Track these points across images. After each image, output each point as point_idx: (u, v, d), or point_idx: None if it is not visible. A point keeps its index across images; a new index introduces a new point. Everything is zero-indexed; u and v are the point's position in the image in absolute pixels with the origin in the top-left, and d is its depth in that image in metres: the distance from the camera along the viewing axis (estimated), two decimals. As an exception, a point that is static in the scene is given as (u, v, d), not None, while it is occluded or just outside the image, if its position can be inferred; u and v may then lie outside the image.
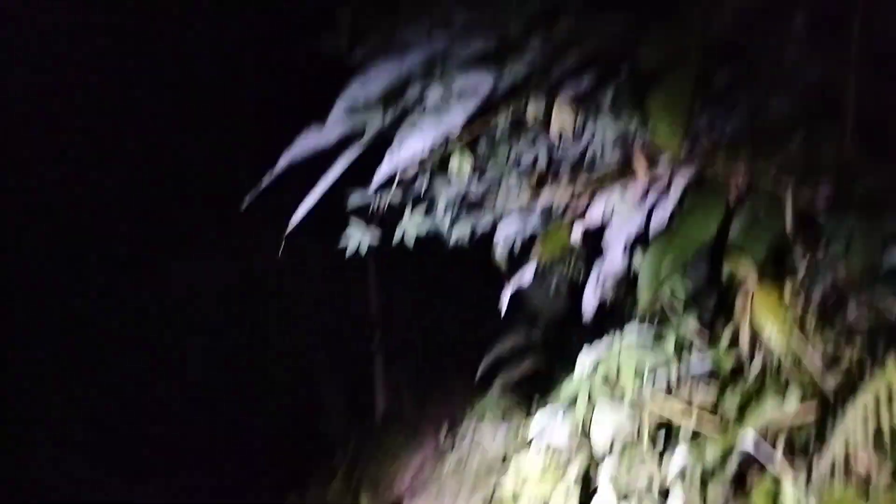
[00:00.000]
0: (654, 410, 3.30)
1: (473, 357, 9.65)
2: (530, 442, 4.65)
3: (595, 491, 3.49)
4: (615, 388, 3.34)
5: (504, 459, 5.77)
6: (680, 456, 3.07)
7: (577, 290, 4.15)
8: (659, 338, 3.34)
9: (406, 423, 12.56)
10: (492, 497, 5.20)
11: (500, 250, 4.25)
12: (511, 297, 5.20)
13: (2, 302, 11.83)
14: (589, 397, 3.43)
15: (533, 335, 8.60)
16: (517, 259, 4.20)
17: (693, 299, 3.41)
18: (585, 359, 3.64)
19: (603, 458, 3.35)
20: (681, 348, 3.29)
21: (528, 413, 6.48)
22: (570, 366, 5.96)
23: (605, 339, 3.67)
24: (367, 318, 13.89)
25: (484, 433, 7.23)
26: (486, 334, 10.62)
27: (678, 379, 3.26)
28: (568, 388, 3.68)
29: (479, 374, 8.94)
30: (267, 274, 13.86)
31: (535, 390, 7.33)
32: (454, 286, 13.13)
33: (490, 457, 6.88)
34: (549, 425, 3.63)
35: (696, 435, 3.20)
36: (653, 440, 3.29)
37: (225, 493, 11.21)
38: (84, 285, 12.73)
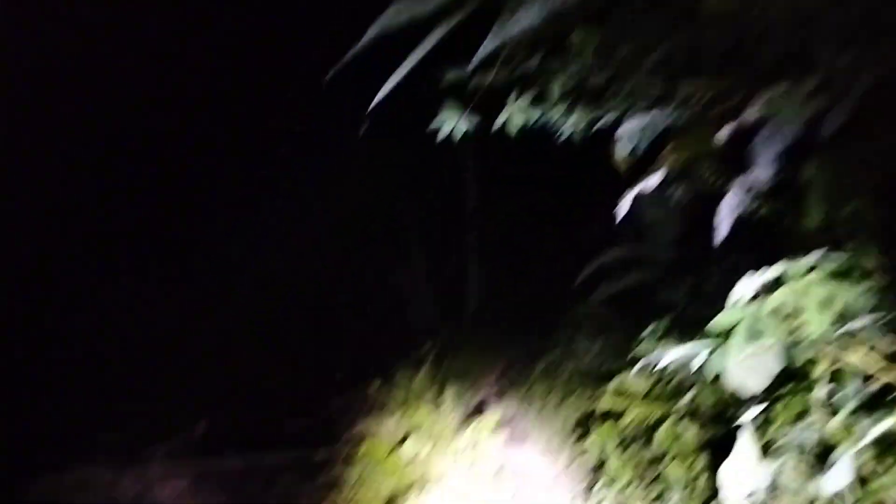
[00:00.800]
0: (837, 356, 2.64)
1: (573, 264, 9.19)
2: (635, 361, 4.19)
3: (724, 432, 3.03)
4: (789, 324, 2.63)
5: (602, 374, 5.37)
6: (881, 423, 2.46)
7: (707, 204, 3.52)
8: (839, 271, 2.65)
9: (496, 323, 12.46)
10: (591, 412, 4.84)
11: (621, 149, 3.55)
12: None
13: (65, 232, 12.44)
14: (746, 331, 2.73)
15: (644, 249, 8.00)
16: (641, 161, 3.55)
17: (882, 225, 2.68)
18: (747, 286, 2.87)
19: (749, 402, 2.83)
20: (862, 285, 2.62)
21: (633, 329, 6.02)
22: (691, 288, 5.39)
23: (775, 266, 2.91)
24: (462, 213, 13.64)
25: (579, 343, 6.84)
26: (590, 241, 10.08)
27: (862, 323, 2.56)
28: (725, 316, 2.96)
29: (578, 280, 8.51)
30: (355, 161, 13.75)
31: (640, 307, 6.85)
32: (560, 186, 12.52)
33: (584, 368, 6.53)
34: (674, 352, 2.99)
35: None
36: (829, 394, 2.71)
37: (311, 381, 11.63)
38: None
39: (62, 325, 11.84)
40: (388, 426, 5.07)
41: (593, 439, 4.00)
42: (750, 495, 2.43)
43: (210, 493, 6.98)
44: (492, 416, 4.64)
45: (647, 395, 4.11)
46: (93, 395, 11.15)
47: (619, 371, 4.67)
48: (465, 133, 4.08)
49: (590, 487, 4.06)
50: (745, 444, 2.51)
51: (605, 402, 4.29)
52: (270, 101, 13.13)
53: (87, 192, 12.67)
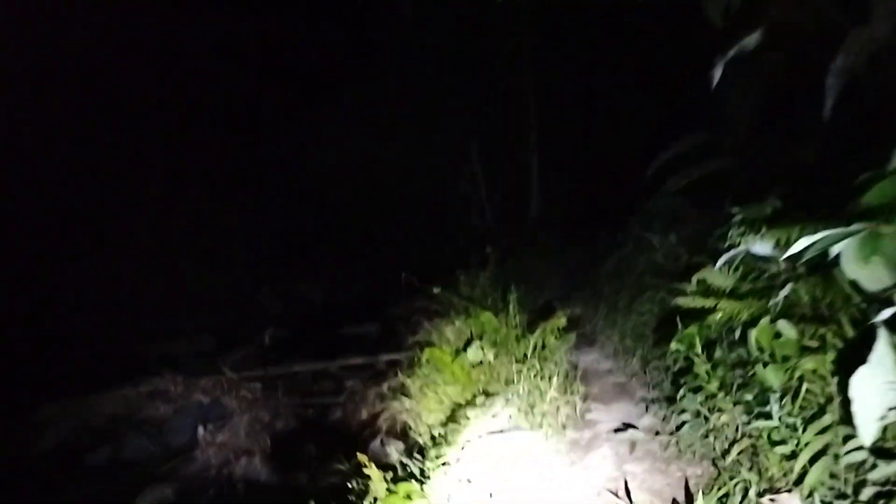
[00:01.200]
0: None
1: (641, 158, 8.63)
2: (716, 255, 3.77)
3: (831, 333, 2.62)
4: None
5: (679, 270, 4.94)
6: None
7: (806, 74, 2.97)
8: None
9: (560, 223, 12.04)
10: (670, 311, 4.47)
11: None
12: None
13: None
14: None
15: (724, 133, 7.33)
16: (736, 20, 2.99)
17: None
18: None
19: (872, 299, 2.38)
20: None
21: (711, 221, 5.52)
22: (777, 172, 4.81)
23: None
24: (523, 112, 13.05)
25: (651, 239, 6.38)
26: (660, 133, 9.43)
27: None
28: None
29: (650, 171, 7.97)
30: (414, 66, 13.24)
31: (718, 197, 6.28)
32: (627, 74, 11.74)
33: (658, 264, 6.11)
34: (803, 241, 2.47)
35: None
36: None
37: (373, 287, 11.65)
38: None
39: (121, 237, 12.15)
40: (451, 332, 4.83)
41: (675, 341, 3.63)
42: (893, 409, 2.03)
43: (283, 395, 7.10)
44: (559, 318, 4.31)
45: (733, 292, 3.69)
46: (156, 307, 11.48)
47: (697, 267, 4.22)
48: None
49: (671, 394, 3.75)
50: (883, 350, 2.08)
51: (687, 300, 3.89)
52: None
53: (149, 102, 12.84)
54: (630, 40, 10.22)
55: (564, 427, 3.66)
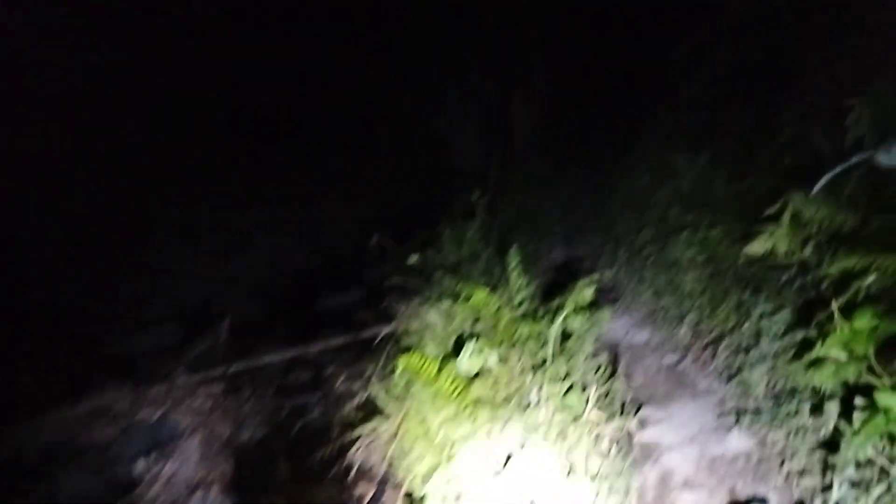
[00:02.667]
0: None
1: (635, 73, 7.29)
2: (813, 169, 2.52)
3: None
4: None
5: (729, 195, 3.71)
6: None
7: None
8: None
9: (556, 147, 10.71)
10: (715, 249, 3.25)
11: None
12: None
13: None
14: None
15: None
16: None
17: None
18: None
19: None
20: None
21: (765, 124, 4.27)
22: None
23: None
24: (504, 41, 11.71)
25: (674, 157, 5.11)
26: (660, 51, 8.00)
27: None
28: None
29: (678, 54, 6.64)
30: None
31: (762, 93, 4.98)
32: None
33: (686, 190, 4.86)
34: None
35: None
36: None
37: (352, 231, 10.36)
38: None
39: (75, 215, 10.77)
40: (436, 318, 3.61)
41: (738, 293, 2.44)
42: None
43: (248, 397, 5.99)
44: (584, 288, 3.06)
45: (857, 235, 2.45)
46: (116, 295, 10.15)
47: (771, 196, 2.98)
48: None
49: (762, 396, 2.57)
50: None
51: (767, 243, 2.66)
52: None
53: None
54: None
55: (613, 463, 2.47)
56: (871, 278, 2.12)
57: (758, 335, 2.86)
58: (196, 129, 12.74)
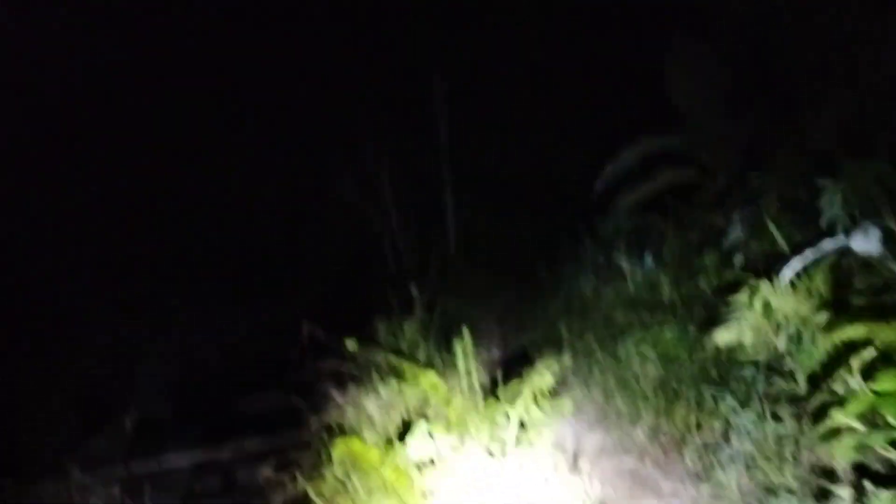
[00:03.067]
0: None
1: (586, 169, 7.47)
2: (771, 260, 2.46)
3: None
4: None
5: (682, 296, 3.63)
6: None
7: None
8: None
9: (492, 256, 10.72)
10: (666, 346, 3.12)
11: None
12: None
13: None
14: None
15: (683, 138, 6.24)
16: None
17: None
18: None
19: None
20: None
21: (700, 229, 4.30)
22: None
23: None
24: (435, 144, 11.92)
25: (617, 259, 5.09)
26: (591, 145, 8.33)
27: None
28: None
29: (596, 191, 6.81)
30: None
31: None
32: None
33: (631, 292, 4.79)
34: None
35: None
36: None
37: (276, 329, 9.82)
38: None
39: None
40: (376, 406, 3.27)
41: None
42: None
43: (152, 494, 5.29)
44: (542, 374, 2.82)
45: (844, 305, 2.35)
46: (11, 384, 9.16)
47: (732, 286, 2.90)
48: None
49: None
50: None
51: (726, 335, 2.54)
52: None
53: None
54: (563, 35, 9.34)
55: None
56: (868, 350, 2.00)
57: (727, 433, 2.68)
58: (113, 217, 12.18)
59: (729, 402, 2.76)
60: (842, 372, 2.04)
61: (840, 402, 2.02)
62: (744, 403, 2.66)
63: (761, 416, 2.53)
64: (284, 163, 12.16)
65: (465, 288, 8.78)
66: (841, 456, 1.98)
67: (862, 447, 1.88)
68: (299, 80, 11.24)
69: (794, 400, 2.41)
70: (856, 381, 1.97)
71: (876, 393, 1.85)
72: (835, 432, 1.98)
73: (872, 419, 1.88)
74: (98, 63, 11.03)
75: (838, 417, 1.92)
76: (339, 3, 10.74)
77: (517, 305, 7.29)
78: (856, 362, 1.96)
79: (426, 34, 10.72)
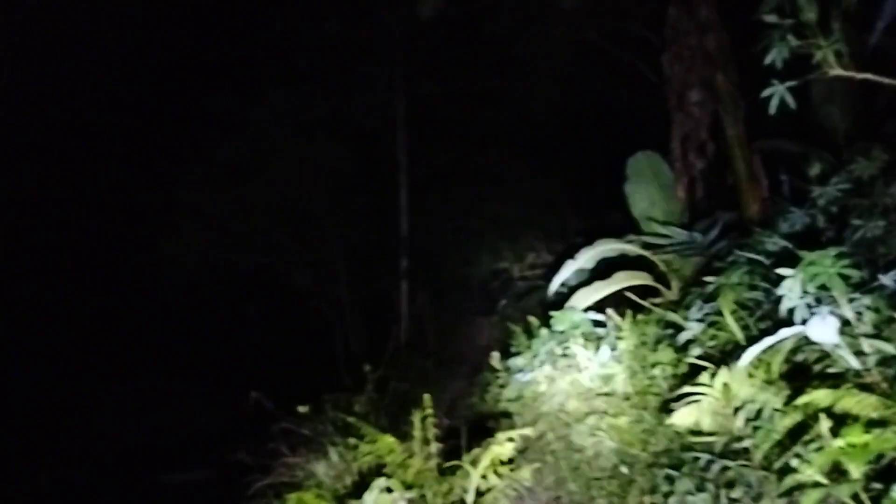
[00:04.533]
0: None
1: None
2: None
3: None
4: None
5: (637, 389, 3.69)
6: None
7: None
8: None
9: (436, 348, 10.73)
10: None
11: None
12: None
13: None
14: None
15: (640, 243, 6.51)
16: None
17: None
18: None
19: None
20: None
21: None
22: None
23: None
24: (394, 237, 12.06)
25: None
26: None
27: None
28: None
29: (553, 289, 6.97)
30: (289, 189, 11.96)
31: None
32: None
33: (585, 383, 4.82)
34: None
35: None
36: None
37: (214, 409, 9.47)
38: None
39: None
40: (326, 470, 3.16)
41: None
42: None
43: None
44: (501, 443, 2.79)
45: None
46: None
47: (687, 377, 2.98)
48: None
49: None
50: None
51: (684, 416, 2.59)
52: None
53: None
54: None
55: None
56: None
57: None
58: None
59: (683, 485, 2.77)
60: (803, 439, 2.10)
61: (803, 462, 2.07)
62: (699, 488, 2.67)
63: (716, 499, 2.55)
64: (235, 241, 12.04)
65: (415, 375, 8.70)
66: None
67: (825, 501, 1.92)
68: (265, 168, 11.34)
69: (749, 482, 2.44)
70: (818, 444, 2.03)
71: (841, 449, 1.91)
72: (799, 488, 2.02)
73: (837, 474, 1.93)
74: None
75: (803, 473, 1.96)
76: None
77: (467, 393, 7.24)
78: (823, 423, 2.02)
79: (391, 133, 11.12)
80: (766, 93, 3.25)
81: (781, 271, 2.70)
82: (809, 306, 2.60)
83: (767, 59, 3.20)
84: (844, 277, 2.48)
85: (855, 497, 1.87)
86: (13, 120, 10.59)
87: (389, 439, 2.87)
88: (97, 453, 9.15)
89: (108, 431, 10.56)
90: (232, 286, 12.14)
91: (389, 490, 2.54)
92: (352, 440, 3.17)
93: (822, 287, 2.54)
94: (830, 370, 2.52)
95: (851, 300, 2.54)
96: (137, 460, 8.77)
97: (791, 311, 2.64)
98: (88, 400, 11.57)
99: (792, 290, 2.61)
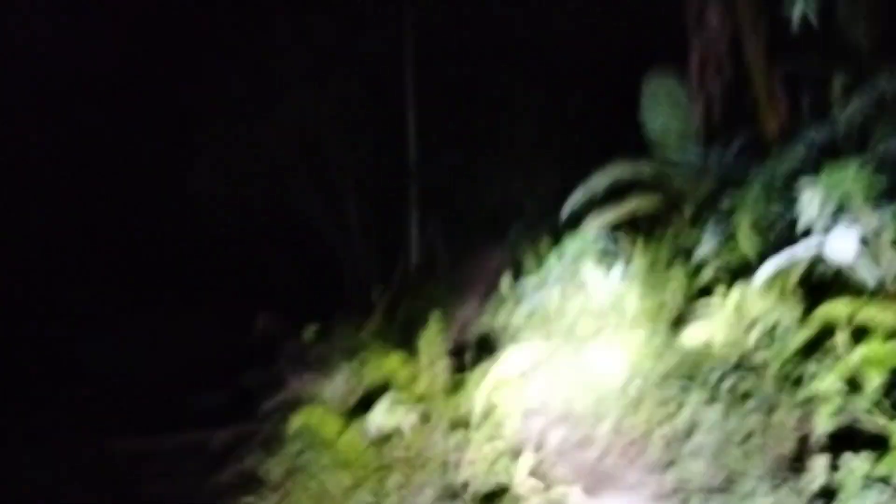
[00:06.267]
0: None
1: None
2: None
3: None
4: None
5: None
6: None
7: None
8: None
9: (446, 273, 10.73)
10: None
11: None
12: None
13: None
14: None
15: (654, 166, 6.37)
16: None
17: None
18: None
19: None
20: None
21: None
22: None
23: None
24: (402, 164, 11.93)
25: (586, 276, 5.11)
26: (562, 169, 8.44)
27: None
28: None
29: (565, 213, 6.87)
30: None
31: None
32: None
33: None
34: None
35: None
36: None
37: (227, 334, 9.63)
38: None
39: None
40: (335, 388, 3.17)
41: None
42: None
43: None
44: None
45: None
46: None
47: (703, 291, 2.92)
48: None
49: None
50: None
51: (696, 332, 2.54)
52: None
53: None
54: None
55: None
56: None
57: (691, 427, 2.67)
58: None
59: (695, 398, 2.75)
60: (818, 353, 2.05)
61: (818, 375, 2.03)
62: (712, 399, 2.66)
63: (728, 411, 2.53)
64: (249, 174, 12.00)
65: (426, 299, 8.72)
66: (819, 423, 1.97)
67: (840, 413, 1.89)
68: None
69: (763, 395, 2.41)
70: (833, 356, 1.98)
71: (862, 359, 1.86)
72: (813, 399, 1.98)
73: (853, 386, 1.89)
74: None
75: (818, 385, 1.92)
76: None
77: (478, 314, 7.27)
78: (840, 335, 1.97)
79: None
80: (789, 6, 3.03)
81: (802, 180, 2.59)
82: (826, 223, 2.50)
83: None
84: (866, 188, 2.38)
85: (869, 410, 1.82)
86: (42, 65, 10.71)
87: (397, 356, 2.87)
88: (120, 380, 9.43)
89: (130, 359, 10.83)
90: (246, 220, 12.17)
91: (397, 405, 2.55)
92: (359, 359, 3.19)
93: (842, 201, 2.43)
94: (847, 285, 2.44)
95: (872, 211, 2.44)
96: (163, 384, 9.01)
97: (809, 226, 2.55)
98: (111, 329, 11.84)
99: (811, 201, 2.51)
